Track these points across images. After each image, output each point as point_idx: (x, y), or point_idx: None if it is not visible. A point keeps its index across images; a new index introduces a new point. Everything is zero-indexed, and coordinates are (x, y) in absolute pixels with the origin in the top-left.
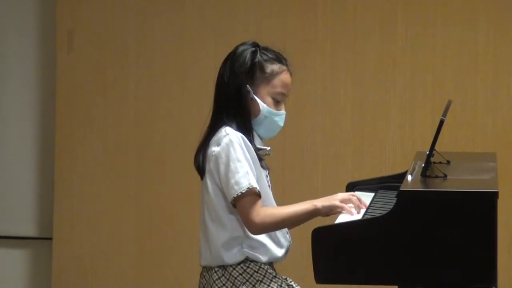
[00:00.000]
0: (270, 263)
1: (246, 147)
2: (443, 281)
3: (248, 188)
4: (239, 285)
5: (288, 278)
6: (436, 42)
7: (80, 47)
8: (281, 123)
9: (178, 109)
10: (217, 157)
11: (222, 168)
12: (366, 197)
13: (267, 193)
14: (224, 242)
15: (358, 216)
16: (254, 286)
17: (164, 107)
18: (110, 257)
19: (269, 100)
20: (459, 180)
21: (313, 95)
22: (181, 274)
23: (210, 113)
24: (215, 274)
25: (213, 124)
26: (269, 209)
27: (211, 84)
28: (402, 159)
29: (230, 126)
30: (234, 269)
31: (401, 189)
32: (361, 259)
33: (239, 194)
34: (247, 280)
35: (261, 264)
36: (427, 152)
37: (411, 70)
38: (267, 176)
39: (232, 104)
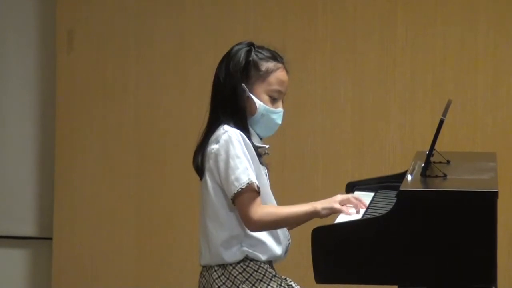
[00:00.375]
0: (270, 262)
1: (244, 144)
2: (443, 281)
3: (247, 183)
4: (239, 284)
5: (287, 278)
6: (436, 42)
7: (80, 47)
8: (279, 121)
9: (178, 109)
10: (216, 154)
11: (221, 165)
12: (366, 197)
13: (267, 191)
14: (223, 241)
15: (357, 216)
16: (253, 285)
17: (164, 107)
18: (110, 257)
19: (266, 97)
20: (459, 180)
21: (313, 95)
22: (181, 274)
23: (208, 114)
24: (215, 273)
25: (211, 124)
26: (268, 207)
27: (211, 84)
28: (402, 159)
29: (228, 124)
30: (233, 268)
31: (401, 189)
32: (361, 259)
33: (239, 190)
34: (246, 279)
35: (260, 263)
36: (427, 152)
37: (411, 70)
38: (266, 175)
39: (229, 104)
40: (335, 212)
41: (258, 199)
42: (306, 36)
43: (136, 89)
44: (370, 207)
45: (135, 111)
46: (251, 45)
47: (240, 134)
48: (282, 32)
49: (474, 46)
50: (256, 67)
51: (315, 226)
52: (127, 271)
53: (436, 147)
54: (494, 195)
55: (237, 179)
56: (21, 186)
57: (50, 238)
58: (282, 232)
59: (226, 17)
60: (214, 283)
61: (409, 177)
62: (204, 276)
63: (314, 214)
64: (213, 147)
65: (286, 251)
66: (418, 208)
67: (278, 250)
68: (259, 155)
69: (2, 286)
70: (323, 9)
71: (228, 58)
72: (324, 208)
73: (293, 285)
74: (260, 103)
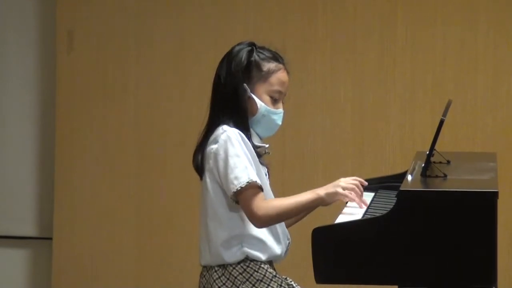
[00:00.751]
0: (270, 262)
1: (244, 143)
2: (443, 281)
3: (247, 182)
4: (239, 284)
5: (288, 278)
6: (436, 42)
7: (80, 47)
8: (279, 122)
9: (178, 109)
10: (215, 154)
11: (221, 164)
12: (366, 197)
13: (267, 191)
14: (223, 241)
15: (358, 216)
16: (254, 285)
17: (164, 107)
18: (110, 257)
19: (267, 98)
20: (459, 180)
21: (313, 95)
22: (181, 274)
23: (207, 114)
24: (215, 273)
25: (210, 124)
26: (271, 201)
27: (211, 84)
28: (402, 159)
29: (228, 124)
30: (234, 268)
31: (401, 189)
32: (361, 259)
33: (239, 188)
34: (247, 280)
35: (261, 264)
36: (427, 152)
37: (411, 70)
38: (266, 175)
39: (229, 104)
40: (340, 198)
41: (261, 195)
42: (306, 36)
43: (136, 89)
44: (370, 207)
45: (135, 111)
46: (252, 45)
47: (239, 133)
48: (282, 32)
49: (474, 46)
50: (258, 67)
51: (315, 226)
52: (127, 271)
53: (436, 147)
54: (494, 195)
55: (236, 178)
56: (21, 186)
57: (50, 238)
58: (282, 231)
59: (226, 17)
60: (214, 284)
61: (409, 177)
62: (204, 276)
63: (318, 201)
64: (212, 147)
65: (286, 251)
66: (418, 208)
67: (278, 249)
68: (259, 155)
69: (2, 286)
70: (323, 9)
71: (230, 58)
72: (328, 194)
73: (294, 285)
74: (261, 104)
